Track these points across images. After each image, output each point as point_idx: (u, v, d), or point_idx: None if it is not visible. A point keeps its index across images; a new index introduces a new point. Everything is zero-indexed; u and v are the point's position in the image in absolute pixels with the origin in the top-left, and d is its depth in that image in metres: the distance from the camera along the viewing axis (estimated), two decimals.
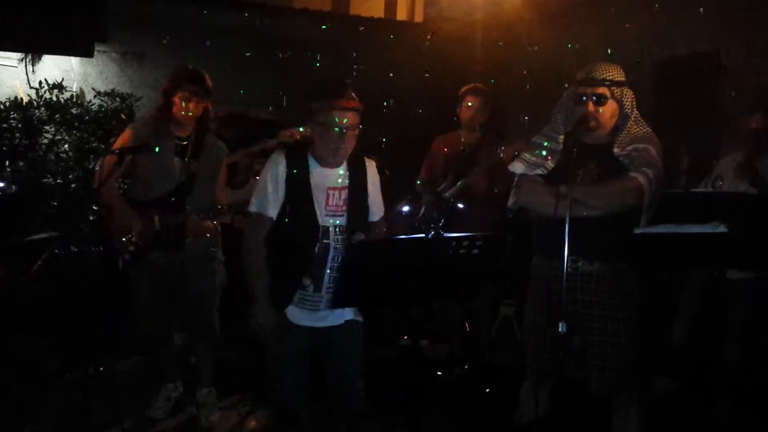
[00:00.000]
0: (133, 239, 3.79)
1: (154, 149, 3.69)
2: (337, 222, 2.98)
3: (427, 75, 5.86)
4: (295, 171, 2.98)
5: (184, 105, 3.75)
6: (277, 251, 3.02)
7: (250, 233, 3.07)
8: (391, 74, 5.87)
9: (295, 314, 3.02)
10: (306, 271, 2.96)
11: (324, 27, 6.47)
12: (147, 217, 3.76)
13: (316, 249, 2.95)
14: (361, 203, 3.07)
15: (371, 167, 3.15)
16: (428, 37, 6.39)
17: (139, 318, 3.97)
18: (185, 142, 3.86)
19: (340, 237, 2.97)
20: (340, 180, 3.03)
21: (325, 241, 2.95)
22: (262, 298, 3.00)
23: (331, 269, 2.96)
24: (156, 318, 3.93)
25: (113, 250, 3.86)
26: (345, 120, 2.90)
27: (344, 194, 3.02)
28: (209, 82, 3.81)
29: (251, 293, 3.02)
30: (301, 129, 4.59)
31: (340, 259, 2.94)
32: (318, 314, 3.00)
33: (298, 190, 2.98)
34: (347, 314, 3.04)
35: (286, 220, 2.98)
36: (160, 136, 3.79)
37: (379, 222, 3.17)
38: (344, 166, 3.06)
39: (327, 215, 2.98)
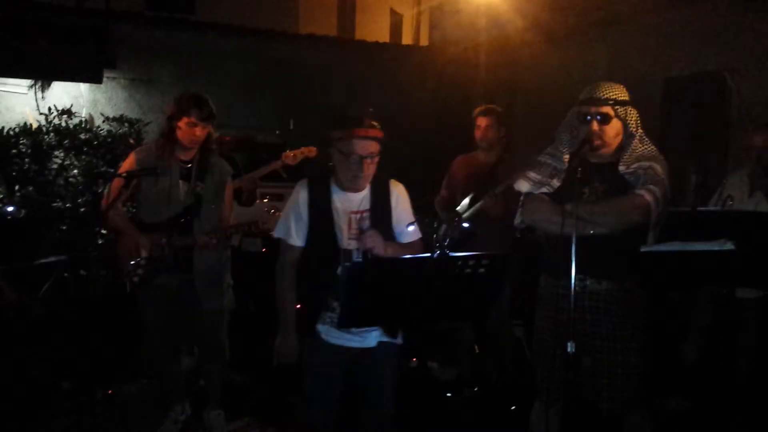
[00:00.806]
0: (142, 262, 3.82)
1: (159, 173, 3.75)
2: (360, 246, 3.00)
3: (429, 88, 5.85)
4: (316, 197, 3.05)
5: (189, 130, 3.79)
6: (304, 275, 3.08)
7: (278, 261, 3.14)
8: (397, 96, 5.91)
9: (327, 332, 3.05)
10: (330, 293, 2.99)
11: (330, 52, 6.53)
12: (154, 239, 3.80)
13: (339, 271, 2.98)
14: (384, 225, 3.07)
15: (396, 189, 3.15)
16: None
17: (148, 340, 3.97)
18: (189, 165, 3.91)
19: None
20: (361, 204, 3.06)
21: (346, 263, 2.98)
22: (283, 328, 3.07)
23: None
24: (165, 340, 3.93)
25: (121, 273, 3.88)
26: (364, 148, 2.95)
27: (366, 217, 3.04)
28: (212, 106, 3.87)
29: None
30: (303, 152, 4.64)
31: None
32: (349, 334, 3.01)
33: (320, 215, 3.04)
34: (380, 335, 3.03)
35: (312, 246, 3.05)
36: (164, 160, 3.83)
37: (414, 243, 3.15)
38: (367, 189, 3.08)
39: (350, 239, 3.01)
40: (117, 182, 3.74)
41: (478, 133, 4.88)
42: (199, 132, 3.82)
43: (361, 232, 2.98)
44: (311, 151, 4.78)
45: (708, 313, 4.15)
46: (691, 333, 4.24)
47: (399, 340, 3.09)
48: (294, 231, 3.07)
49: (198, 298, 3.85)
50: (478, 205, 4.57)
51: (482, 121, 4.85)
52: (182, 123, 3.78)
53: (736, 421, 3.85)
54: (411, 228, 3.11)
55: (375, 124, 2.98)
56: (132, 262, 3.79)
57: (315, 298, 3.04)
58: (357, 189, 3.04)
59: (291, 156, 4.73)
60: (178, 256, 3.82)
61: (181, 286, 3.85)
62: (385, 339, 3.04)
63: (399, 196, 3.15)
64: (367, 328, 3.00)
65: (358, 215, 3.03)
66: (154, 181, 3.79)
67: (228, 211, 4.04)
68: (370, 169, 3.00)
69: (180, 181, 3.86)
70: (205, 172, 3.92)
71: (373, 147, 2.97)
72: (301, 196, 3.07)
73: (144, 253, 3.81)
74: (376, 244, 2.95)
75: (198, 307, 3.86)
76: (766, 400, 3.83)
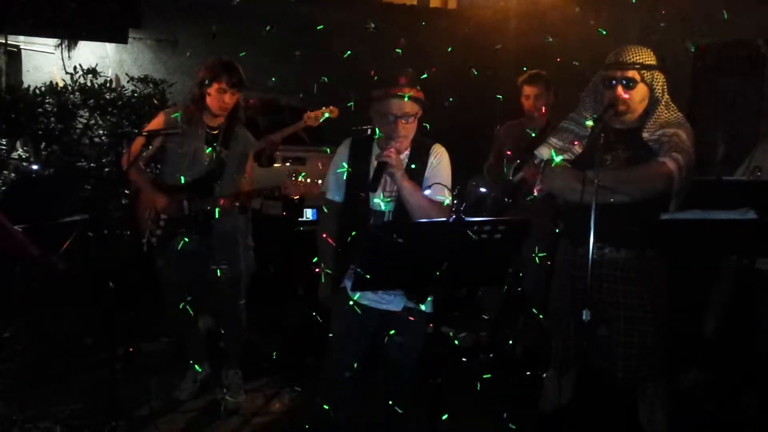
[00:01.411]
0: (161, 223, 3.85)
1: (183, 135, 3.77)
2: (392, 206, 3.02)
3: (450, 50, 5.70)
4: (357, 155, 3.08)
5: (219, 96, 3.81)
6: (340, 231, 3.10)
7: (321, 215, 3.21)
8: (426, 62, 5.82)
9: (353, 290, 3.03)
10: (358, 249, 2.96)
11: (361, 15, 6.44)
12: (175, 201, 3.82)
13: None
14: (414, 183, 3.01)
15: (436, 152, 3.09)
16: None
17: (167, 300, 4.02)
18: (216, 131, 3.93)
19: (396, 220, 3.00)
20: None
21: (378, 223, 3.00)
22: (322, 276, 3.14)
23: None
24: (181, 301, 3.96)
25: (140, 231, 3.91)
26: (399, 108, 2.93)
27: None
28: (242, 73, 3.87)
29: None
30: (325, 111, 4.60)
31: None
32: (374, 296, 3.02)
33: (358, 172, 3.05)
34: (405, 300, 3.00)
35: (348, 203, 3.08)
36: (191, 123, 3.86)
37: (435, 201, 3.04)
38: (407, 153, 3.06)
39: (381, 199, 3.01)
40: (139, 140, 3.76)
41: (527, 104, 4.70)
42: (228, 99, 3.84)
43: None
44: (333, 111, 4.73)
45: (728, 285, 4.08)
46: (711, 305, 4.17)
47: (428, 308, 3.04)
48: (332, 186, 3.13)
49: (215, 261, 3.88)
50: (519, 174, 4.47)
51: (530, 90, 4.68)
52: (212, 89, 3.80)
53: (754, 393, 3.80)
54: (437, 188, 3.01)
55: (413, 85, 2.96)
56: (150, 221, 3.83)
57: (344, 254, 3.05)
58: (386, 152, 2.97)
59: (312, 117, 4.70)
60: (198, 219, 3.85)
61: (199, 249, 3.88)
62: (410, 305, 3.00)
63: (440, 158, 3.09)
64: (392, 292, 2.99)
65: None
66: (180, 143, 3.81)
67: (248, 181, 4.06)
68: (406, 129, 2.98)
69: (205, 146, 3.88)
70: (230, 140, 3.94)
71: (409, 107, 2.95)
72: (342, 153, 3.12)
73: (163, 214, 3.84)
74: (393, 159, 2.87)
75: (215, 270, 3.88)
76: None
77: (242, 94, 3.93)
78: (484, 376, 3.98)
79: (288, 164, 5.39)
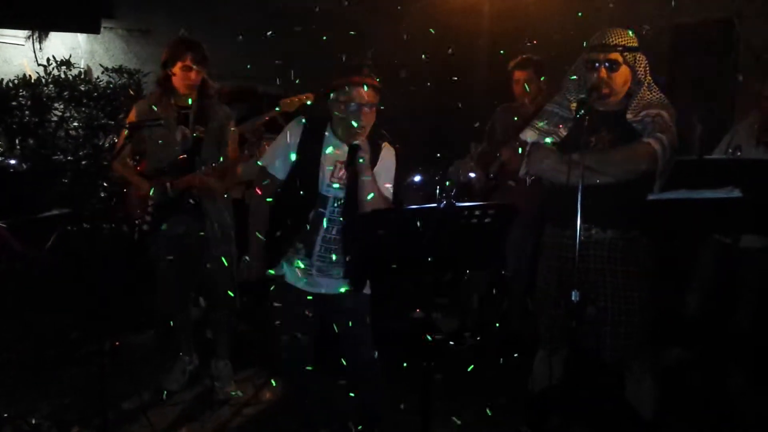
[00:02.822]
0: (149, 209, 3.85)
1: (160, 121, 3.74)
2: (339, 195, 3.04)
3: (425, 57, 5.75)
4: (309, 138, 3.07)
5: (184, 74, 3.82)
6: (279, 211, 3.11)
7: (255, 187, 3.18)
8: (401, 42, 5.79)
9: (291, 275, 3.11)
10: (299, 233, 3.04)
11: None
12: (158, 185, 3.83)
13: (311, 215, 3.03)
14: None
15: (387, 153, 3.16)
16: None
17: (158, 287, 4.01)
18: (187, 111, 3.92)
19: (336, 210, 3.05)
20: None
21: (320, 209, 3.04)
22: (253, 248, 3.14)
23: (323, 239, 3.05)
24: (174, 287, 3.98)
25: (131, 222, 3.91)
26: (361, 96, 2.95)
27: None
28: (205, 49, 3.88)
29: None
30: (301, 97, 4.58)
31: (334, 231, 3.04)
32: (313, 279, 3.08)
33: (308, 156, 3.05)
34: (343, 284, 3.07)
35: (292, 183, 3.06)
36: (161, 108, 3.86)
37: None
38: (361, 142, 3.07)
39: (329, 186, 3.04)
40: (122, 134, 3.78)
41: (517, 89, 4.70)
42: (194, 76, 3.84)
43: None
44: (309, 97, 4.70)
45: (709, 263, 4.15)
46: (694, 283, 4.25)
47: (367, 290, 3.13)
48: (277, 162, 3.10)
49: (206, 246, 3.88)
50: (500, 157, 4.47)
51: (520, 75, 4.68)
52: (176, 68, 3.81)
53: (737, 371, 3.88)
54: (387, 186, 3.11)
55: (372, 75, 2.99)
56: (139, 210, 3.81)
57: (284, 235, 3.07)
58: (351, 139, 3.02)
59: (288, 102, 4.67)
60: (184, 199, 3.85)
61: (189, 233, 3.89)
62: (346, 289, 3.07)
63: (391, 156, 3.18)
64: (330, 275, 3.06)
65: (344, 166, 3.02)
66: (153, 129, 3.80)
67: (233, 154, 4.00)
68: (368, 118, 3.00)
69: (179, 126, 3.88)
70: (205, 116, 3.92)
71: (371, 96, 2.98)
72: (293, 131, 3.10)
73: (149, 200, 3.84)
74: (365, 144, 2.95)
75: (206, 255, 3.89)
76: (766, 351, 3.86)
77: (208, 72, 3.93)
78: (469, 368, 4.04)
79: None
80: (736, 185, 2.67)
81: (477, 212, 2.52)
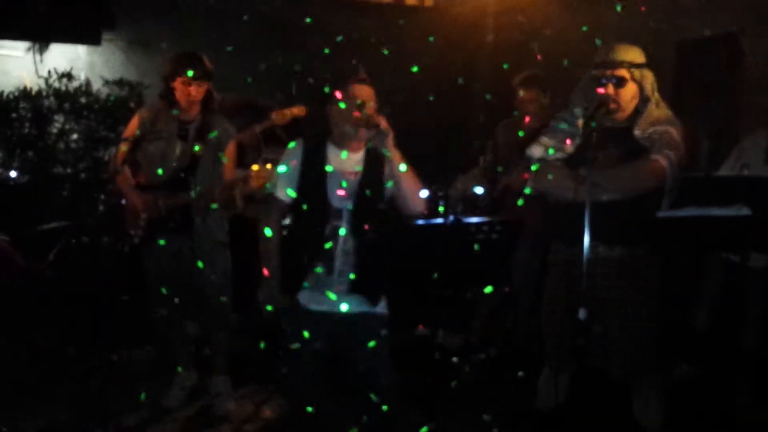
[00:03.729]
0: (141, 223, 3.83)
1: (161, 134, 3.74)
2: (350, 206, 2.99)
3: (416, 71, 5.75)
4: (310, 154, 3.05)
5: (185, 89, 3.78)
6: (292, 233, 3.09)
7: (265, 217, 3.14)
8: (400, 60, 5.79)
9: (308, 298, 3.03)
10: (318, 253, 2.96)
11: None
12: (151, 200, 3.79)
13: (327, 231, 2.97)
14: (375, 190, 3.02)
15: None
16: None
17: (152, 302, 3.97)
18: (188, 126, 3.88)
19: (352, 221, 2.99)
20: (356, 166, 3.04)
21: (335, 223, 2.98)
22: (267, 281, 3.05)
23: (342, 252, 2.97)
24: (166, 303, 3.91)
25: (124, 235, 3.88)
26: (362, 92, 2.97)
27: (359, 179, 3.02)
28: (208, 64, 3.83)
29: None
30: (295, 109, 4.53)
31: (351, 244, 2.96)
32: (332, 299, 2.97)
33: (313, 173, 3.02)
34: (364, 304, 2.99)
35: (301, 203, 3.02)
36: (163, 121, 3.83)
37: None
38: (362, 152, 3.06)
39: (340, 198, 2.99)
40: (123, 146, 3.73)
41: (518, 105, 4.64)
42: (195, 91, 3.80)
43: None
44: (300, 110, 4.66)
45: (717, 281, 4.13)
46: (701, 301, 4.22)
47: (384, 310, 3.05)
48: (282, 186, 3.07)
49: (196, 262, 3.82)
50: (504, 178, 4.40)
51: (524, 93, 4.61)
52: (177, 83, 3.77)
53: (743, 389, 3.85)
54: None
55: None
56: (133, 223, 3.80)
57: (301, 257, 3.00)
58: (358, 139, 3.01)
59: (280, 115, 4.62)
60: (175, 217, 3.79)
61: (181, 248, 3.84)
62: (366, 309, 3.00)
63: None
64: (348, 295, 2.97)
65: (352, 176, 3.01)
66: (152, 141, 3.78)
67: (230, 172, 3.94)
68: (370, 111, 2.97)
69: (178, 141, 3.84)
70: (205, 132, 3.87)
71: (370, 94, 3.00)
72: (293, 152, 3.09)
73: (142, 214, 3.81)
74: (385, 124, 2.88)
75: (198, 271, 3.83)
76: None
77: (210, 84, 3.86)
78: (471, 381, 4.00)
79: (269, 166, 5.29)
80: (742, 202, 2.66)
81: (485, 228, 2.50)
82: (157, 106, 3.94)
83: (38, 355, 4.49)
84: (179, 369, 4.16)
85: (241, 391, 4.25)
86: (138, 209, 3.81)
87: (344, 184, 2.99)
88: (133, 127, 3.89)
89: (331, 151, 3.06)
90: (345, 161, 3.04)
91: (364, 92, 2.99)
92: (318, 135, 3.12)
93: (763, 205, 2.67)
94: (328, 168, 3.00)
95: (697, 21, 5.30)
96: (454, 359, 4.58)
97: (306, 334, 3.00)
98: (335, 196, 2.99)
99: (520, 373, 3.84)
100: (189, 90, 3.78)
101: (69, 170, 5.44)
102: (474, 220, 2.51)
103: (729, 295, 3.98)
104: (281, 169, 3.07)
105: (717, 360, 4.08)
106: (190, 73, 3.72)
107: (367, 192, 2.98)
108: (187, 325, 4.20)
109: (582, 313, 2.73)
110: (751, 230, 2.69)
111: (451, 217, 2.46)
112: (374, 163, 3.05)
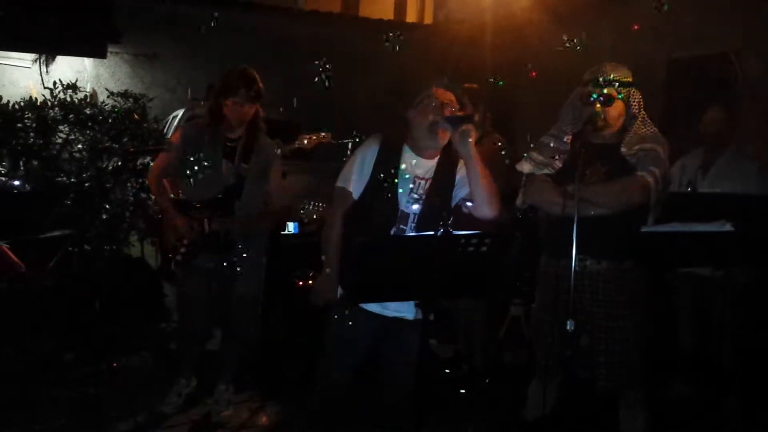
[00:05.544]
0: (185, 242, 3.80)
1: (203, 150, 3.69)
2: (418, 211, 3.01)
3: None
4: (386, 154, 3.04)
5: (237, 108, 3.70)
6: (357, 230, 3.02)
7: (331, 207, 3.13)
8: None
9: None
10: None
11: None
12: (196, 221, 3.75)
13: (392, 233, 2.99)
14: (444, 194, 3.06)
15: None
16: None
17: (184, 317, 4.01)
18: (235, 144, 3.82)
19: (416, 226, 3.01)
20: (429, 171, 3.05)
21: (401, 226, 3.00)
22: (327, 269, 3.05)
23: None
24: (198, 319, 3.94)
25: (166, 250, 3.88)
26: (444, 95, 3.01)
27: (429, 184, 3.04)
28: (260, 83, 3.75)
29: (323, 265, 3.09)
30: (322, 133, 4.50)
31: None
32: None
33: (387, 174, 3.02)
34: (413, 311, 2.98)
35: (370, 201, 3.03)
36: (209, 137, 3.77)
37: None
38: (436, 159, 3.07)
39: (409, 202, 3.01)
40: (163, 157, 3.72)
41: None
42: (247, 110, 3.73)
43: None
44: (327, 136, 4.60)
45: (687, 296, 4.21)
46: (680, 316, 4.31)
47: (416, 316, 3.00)
48: (354, 180, 3.05)
49: (234, 280, 3.81)
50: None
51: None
52: (229, 101, 3.69)
53: (730, 402, 3.90)
54: (469, 205, 3.05)
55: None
56: (176, 242, 3.80)
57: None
58: (435, 145, 3.02)
59: (305, 140, 4.56)
60: (219, 239, 3.76)
61: (219, 267, 3.81)
62: (413, 316, 2.98)
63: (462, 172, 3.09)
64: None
65: (423, 181, 3.03)
66: (196, 158, 3.70)
67: (275, 192, 3.91)
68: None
69: (223, 160, 3.78)
70: (250, 151, 3.79)
71: (452, 96, 3.04)
72: (370, 149, 3.06)
73: (184, 236, 3.78)
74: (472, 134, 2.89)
75: (232, 289, 3.83)
76: (756, 383, 3.88)
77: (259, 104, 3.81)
78: (461, 391, 4.02)
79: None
80: (726, 218, 2.75)
81: (474, 240, 2.56)
82: (203, 120, 3.88)
83: (36, 360, 4.54)
84: (178, 375, 4.20)
85: (237, 398, 4.30)
86: (180, 231, 3.78)
87: (415, 189, 3.02)
88: (175, 139, 3.85)
89: (407, 155, 3.06)
90: (419, 167, 3.05)
91: (448, 96, 3.02)
92: (396, 135, 3.12)
93: (745, 220, 2.76)
94: (402, 171, 3.02)
95: (689, 40, 5.39)
96: (446, 370, 4.66)
97: (352, 329, 3.02)
98: (405, 199, 3.01)
99: (509, 383, 3.91)
100: (242, 109, 3.70)
101: (73, 180, 5.51)
102: (464, 232, 2.56)
103: (700, 311, 4.06)
104: (354, 164, 3.06)
105: (701, 374, 4.14)
106: (245, 93, 3.65)
107: (437, 198, 3.02)
108: (205, 342, 4.23)
109: (570, 325, 2.80)
110: (734, 245, 2.77)
111: (441, 230, 2.51)
112: (446, 170, 3.07)
